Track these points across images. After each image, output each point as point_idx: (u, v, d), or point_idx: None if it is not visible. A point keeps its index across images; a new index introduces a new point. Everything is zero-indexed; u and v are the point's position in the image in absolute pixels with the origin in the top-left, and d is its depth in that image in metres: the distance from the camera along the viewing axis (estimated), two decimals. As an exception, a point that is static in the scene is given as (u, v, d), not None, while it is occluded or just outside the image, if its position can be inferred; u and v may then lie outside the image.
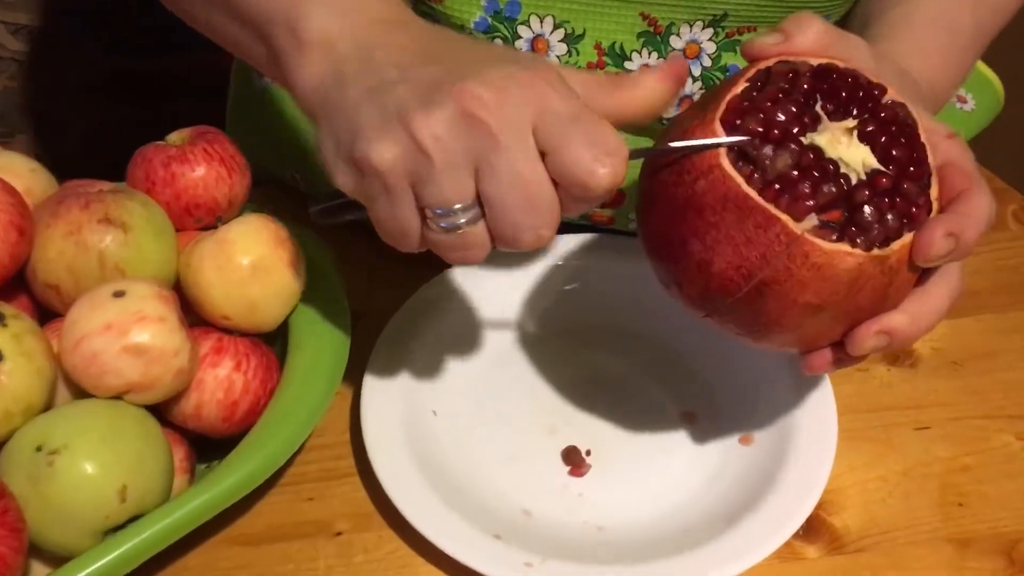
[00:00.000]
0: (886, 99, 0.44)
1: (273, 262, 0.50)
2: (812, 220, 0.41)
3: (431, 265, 0.62)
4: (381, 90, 0.40)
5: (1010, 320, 0.64)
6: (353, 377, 0.56)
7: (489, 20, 0.56)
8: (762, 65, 0.43)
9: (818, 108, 0.43)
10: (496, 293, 0.62)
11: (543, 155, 0.39)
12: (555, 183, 0.40)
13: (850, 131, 0.42)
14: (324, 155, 0.42)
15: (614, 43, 0.57)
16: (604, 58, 0.58)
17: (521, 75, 0.40)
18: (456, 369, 0.59)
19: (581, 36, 0.57)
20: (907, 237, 0.42)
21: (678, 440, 0.57)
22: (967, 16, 0.57)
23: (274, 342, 0.54)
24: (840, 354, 0.45)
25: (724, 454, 0.55)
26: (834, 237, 0.41)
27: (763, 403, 0.57)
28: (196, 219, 0.54)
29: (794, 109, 0.42)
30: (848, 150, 0.42)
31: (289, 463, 0.55)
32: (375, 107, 0.40)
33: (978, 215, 0.42)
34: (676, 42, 0.57)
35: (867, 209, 0.41)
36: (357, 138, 0.40)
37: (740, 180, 0.41)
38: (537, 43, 0.57)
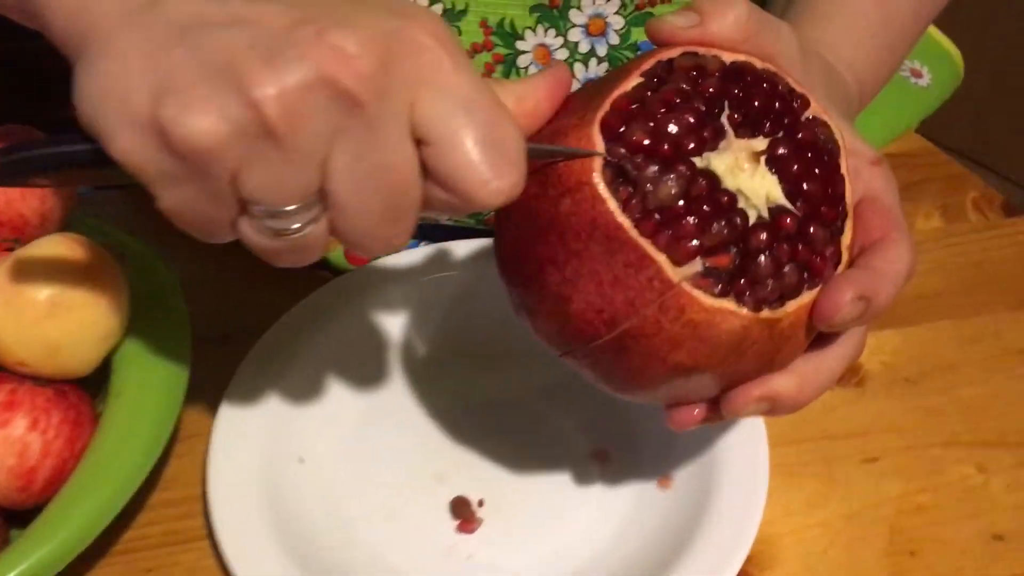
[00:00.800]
0: (807, 114, 0.36)
1: (80, 295, 0.41)
2: (695, 265, 0.32)
3: (315, 278, 0.54)
4: (205, 26, 0.29)
5: (971, 327, 0.56)
6: (213, 415, 0.48)
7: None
8: (664, 56, 0.35)
9: (724, 119, 0.34)
10: (383, 309, 0.54)
11: (418, 143, 0.30)
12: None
13: (757, 156, 0.34)
14: (93, 105, 0.29)
15: (503, 19, 0.48)
16: (491, 38, 0.49)
17: (406, 28, 0.30)
18: (329, 404, 0.51)
19: (463, 12, 0.48)
20: (806, 296, 0.34)
21: (587, 484, 0.48)
22: None
23: (98, 387, 0.45)
24: (712, 413, 0.37)
25: (639, 500, 0.47)
26: (718, 289, 0.33)
27: (684, 435, 0.49)
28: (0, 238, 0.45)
29: (692, 120, 0.33)
30: (751, 179, 0.34)
31: (124, 526, 0.46)
32: (194, 52, 0.28)
33: (895, 272, 0.35)
34: (577, 16, 0.49)
35: (763, 258, 0.33)
36: (165, 96, 0.28)
37: (614, 205, 0.32)
38: (408, 20, 0.48)
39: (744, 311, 0.33)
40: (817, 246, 0.34)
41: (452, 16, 0.48)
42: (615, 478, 0.48)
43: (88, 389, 0.45)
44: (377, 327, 0.54)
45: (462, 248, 0.55)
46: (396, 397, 0.52)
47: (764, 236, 0.33)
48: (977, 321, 0.57)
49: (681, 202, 0.32)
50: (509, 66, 0.49)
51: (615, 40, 0.50)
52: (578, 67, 0.49)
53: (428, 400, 0.52)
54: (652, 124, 0.33)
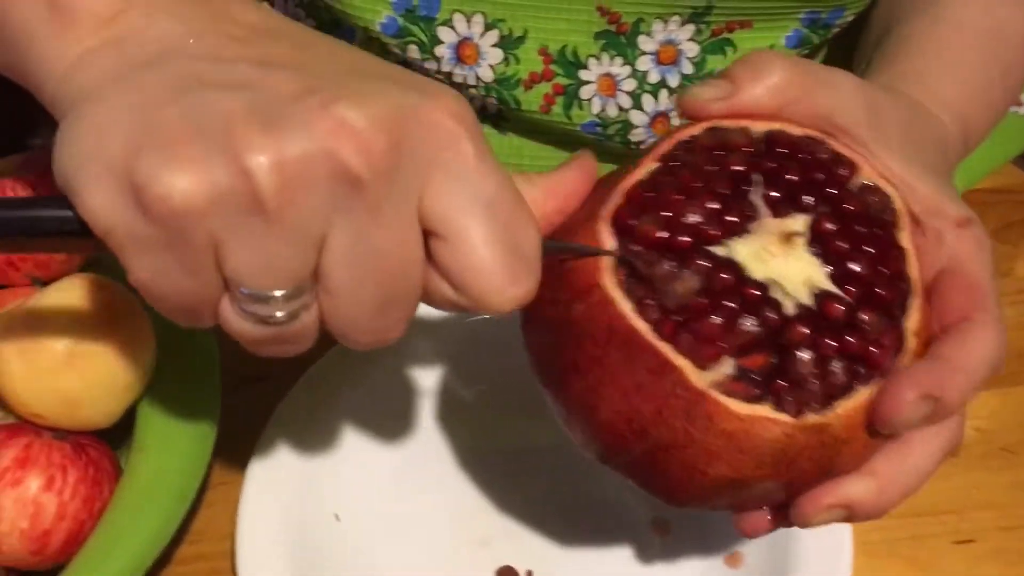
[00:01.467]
0: (857, 181, 0.31)
1: (100, 343, 0.38)
2: (724, 368, 0.28)
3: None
4: (205, 87, 0.26)
5: (1078, 388, 0.51)
6: (246, 460, 0.45)
7: (400, 21, 0.43)
8: (684, 134, 0.31)
9: (757, 197, 0.30)
10: (424, 353, 0.50)
11: (427, 233, 0.27)
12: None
13: (791, 236, 0.30)
14: (68, 160, 0.26)
15: (565, 46, 0.44)
16: (552, 67, 0.45)
17: (424, 106, 0.27)
18: (368, 456, 0.47)
19: (522, 39, 0.44)
20: (862, 393, 0.29)
21: (646, 559, 0.44)
22: (1020, 15, 0.44)
23: (123, 438, 0.42)
24: (782, 519, 0.33)
25: (705, 578, 0.43)
26: (753, 394, 0.28)
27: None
28: (24, 274, 0.42)
29: (713, 205, 0.30)
30: (786, 264, 0.30)
31: (150, 584, 0.43)
32: (188, 110, 0.25)
33: (973, 362, 0.30)
34: (646, 43, 0.45)
35: (803, 355, 0.29)
36: (146, 150, 0.25)
37: (627, 308, 0.29)
38: (464, 49, 0.44)
39: (784, 417, 0.28)
40: (871, 335, 0.29)
41: (510, 43, 0.44)
42: (677, 552, 0.44)
43: (112, 440, 0.42)
44: (417, 372, 0.50)
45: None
46: (438, 449, 0.48)
47: (804, 329, 0.29)
48: (1085, 381, 0.51)
49: (703, 300, 0.29)
50: (571, 97, 0.45)
51: (688, 69, 0.45)
52: (647, 99, 0.45)
53: (472, 454, 0.48)
54: (667, 213, 0.29)
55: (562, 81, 0.45)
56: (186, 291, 0.27)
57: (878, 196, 0.31)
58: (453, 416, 0.49)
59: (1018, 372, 0.51)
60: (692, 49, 0.45)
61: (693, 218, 0.29)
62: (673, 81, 0.46)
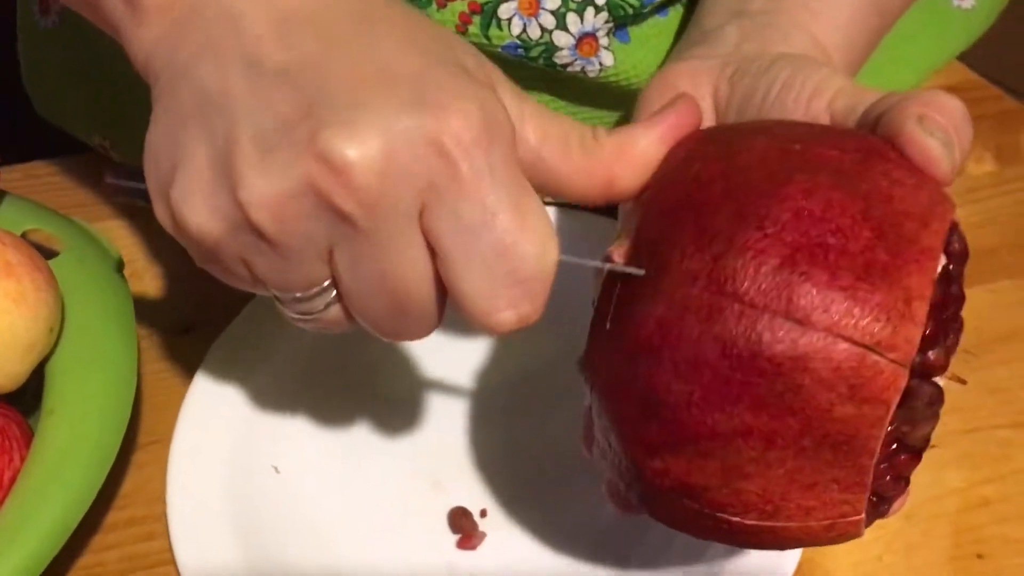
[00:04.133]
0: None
1: (-5, 299, 0.35)
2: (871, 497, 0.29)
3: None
4: (223, 105, 0.28)
5: (1036, 286, 0.50)
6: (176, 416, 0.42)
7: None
8: (948, 217, 0.28)
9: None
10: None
11: (433, 253, 0.28)
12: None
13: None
14: (145, 171, 0.30)
15: None
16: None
17: (424, 126, 0.27)
18: (307, 403, 0.44)
19: None
20: None
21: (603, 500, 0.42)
22: None
23: (34, 403, 0.39)
24: None
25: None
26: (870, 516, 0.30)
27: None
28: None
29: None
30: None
31: (77, 552, 0.41)
32: (204, 131, 0.28)
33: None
34: None
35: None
36: (175, 178, 0.28)
37: (883, 431, 0.27)
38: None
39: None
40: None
41: None
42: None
43: (22, 406, 0.38)
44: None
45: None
46: (384, 391, 0.45)
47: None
48: (1043, 278, 0.50)
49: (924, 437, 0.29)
50: (489, 17, 0.42)
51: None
52: (572, 18, 0.42)
53: (421, 392, 0.45)
54: (949, 340, 0.29)
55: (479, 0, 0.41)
56: (236, 283, 0.31)
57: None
58: (398, 359, 0.47)
59: (975, 273, 0.49)
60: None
61: (953, 342, 0.29)
62: (600, -1, 0.42)
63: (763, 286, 0.26)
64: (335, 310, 0.30)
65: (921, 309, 0.26)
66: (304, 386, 0.45)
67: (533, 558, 0.40)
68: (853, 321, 0.26)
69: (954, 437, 0.44)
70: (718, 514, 0.29)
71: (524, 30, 0.42)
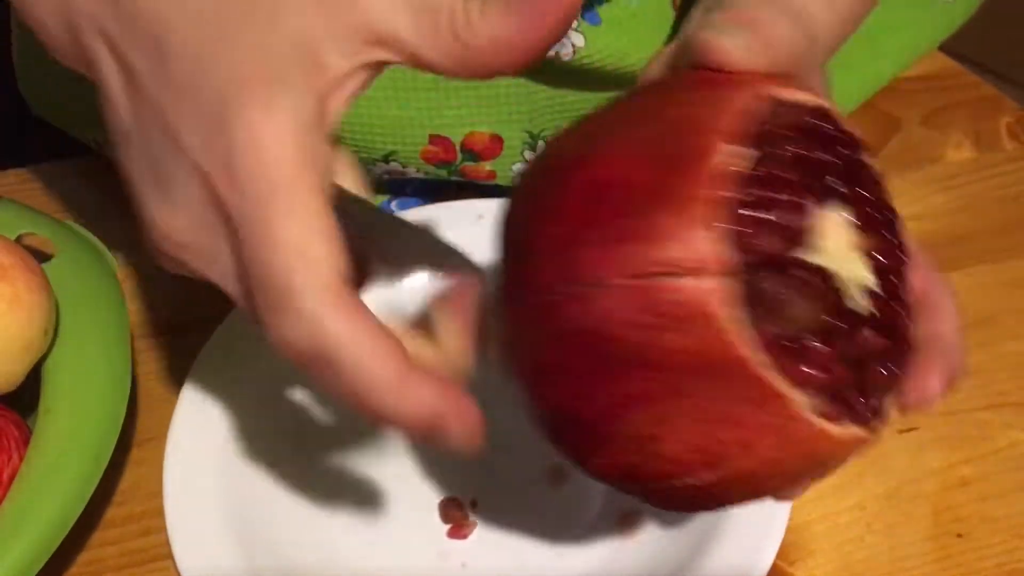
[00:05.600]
0: (866, 159, 0.29)
1: (-12, 302, 0.36)
2: (820, 394, 0.26)
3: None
4: (130, 134, 0.29)
5: (1012, 271, 0.51)
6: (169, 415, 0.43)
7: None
8: (749, 101, 0.26)
9: (824, 191, 0.27)
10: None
11: None
12: None
13: (849, 235, 0.28)
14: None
15: None
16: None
17: (207, 196, 0.28)
18: (300, 399, 0.45)
19: None
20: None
21: (594, 488, 0.43)
22: None
23: (32, 404, 0.39)
24: None
25: (651, 491, 0.42)
26: (841, 413, 0.27)
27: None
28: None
29: (800, 202, 0.26)
30: (849, 264, 0.27)
31: (76, 548, 0.41)
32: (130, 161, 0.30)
33: (951, 313, 0.31)
34: None
35: (880, 367, 0.28)
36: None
37: (737, 337, 0.25)
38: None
39: (865, 433, 0.27)
40: (907, 337, 0.29)
41: None
42: (622, 467, 0.43)
43: (19, 407, 0.39)
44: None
45: (445, 213, 0.49)
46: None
47: (877, 337, 0.27)
48: (1018, 264, 0.51)
49: (815, 322, 0.26)
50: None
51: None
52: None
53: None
54: (769, 220, 0.26)
55: None
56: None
57: (880, 176, 0.29)
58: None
59: (952, 259, 0.50)
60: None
61: (791, 222, 0.26)
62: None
63: (558, 272, 0.26)
64: None
65: (705, 210, 0.25)
66: (296, 381, 0.45)
67: (523, 547, 0.41)
68: (636, 259, 0.25)
69: (933, 419, 0.45)
70: (672, 484, 0.28)
71: None
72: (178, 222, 0.28)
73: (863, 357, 0.27)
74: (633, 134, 0.27)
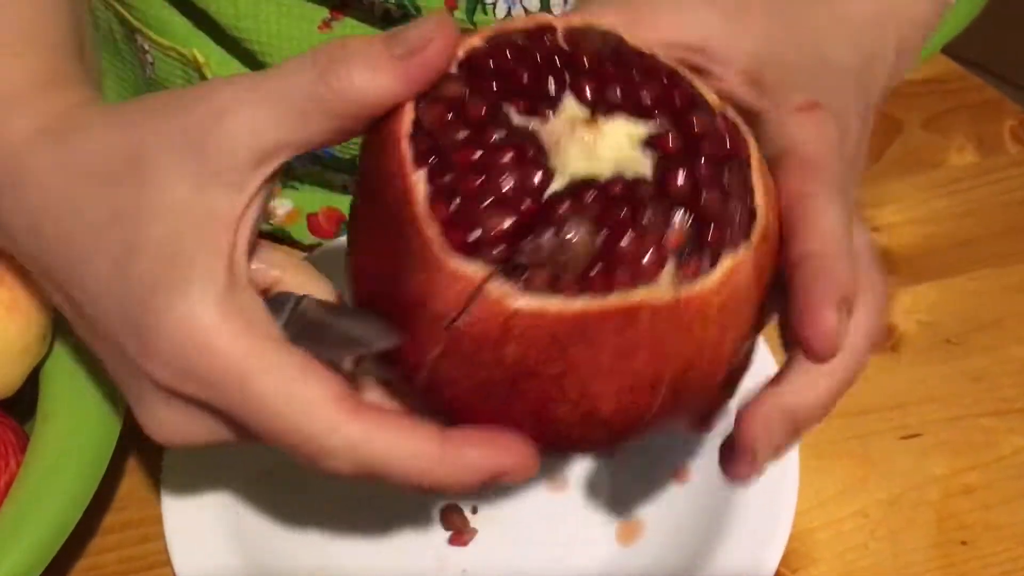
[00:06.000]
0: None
1: (-13, 307, 0.35)
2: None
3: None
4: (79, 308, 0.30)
5: (1017, 275, 0.50)
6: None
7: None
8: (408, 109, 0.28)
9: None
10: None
11: None
12: None
13: (595, 116, 0.28)
14: None
15: None
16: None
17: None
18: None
19: None
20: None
21: (593, 482, 0.43)
22: None
23: (30, 409, 0.39)
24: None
25: (652, 498, 0.42)
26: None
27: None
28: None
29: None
30: (601, 140, 0.27)
31: (75, 555, 0.41)
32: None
33: (824, 230, 0.27)
34: None
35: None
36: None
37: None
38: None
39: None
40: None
41: None
42: (624, 474, 0.43)
43: (17, 412, 0.39)
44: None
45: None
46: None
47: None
48: (1023, 268, 0.51)
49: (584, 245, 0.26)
50: (473, 2, 0.42)
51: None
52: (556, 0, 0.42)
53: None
54: (497, 188, 0.26)
55: None
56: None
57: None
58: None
59: (956, 262, 0.50)
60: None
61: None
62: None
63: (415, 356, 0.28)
64: None
65: (440, 244, 0.26)
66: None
67: (524, 554, 0.41)
68: (432, 324, 0.27)
69: (937, 425, 0.45)
70: (594, 417, 0.28)
71: (509, 14, 0.42)
72: (166, 430, 0.29)
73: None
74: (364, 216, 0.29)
